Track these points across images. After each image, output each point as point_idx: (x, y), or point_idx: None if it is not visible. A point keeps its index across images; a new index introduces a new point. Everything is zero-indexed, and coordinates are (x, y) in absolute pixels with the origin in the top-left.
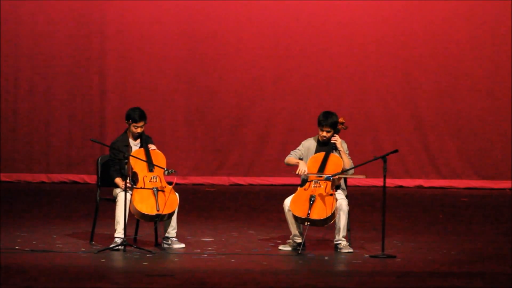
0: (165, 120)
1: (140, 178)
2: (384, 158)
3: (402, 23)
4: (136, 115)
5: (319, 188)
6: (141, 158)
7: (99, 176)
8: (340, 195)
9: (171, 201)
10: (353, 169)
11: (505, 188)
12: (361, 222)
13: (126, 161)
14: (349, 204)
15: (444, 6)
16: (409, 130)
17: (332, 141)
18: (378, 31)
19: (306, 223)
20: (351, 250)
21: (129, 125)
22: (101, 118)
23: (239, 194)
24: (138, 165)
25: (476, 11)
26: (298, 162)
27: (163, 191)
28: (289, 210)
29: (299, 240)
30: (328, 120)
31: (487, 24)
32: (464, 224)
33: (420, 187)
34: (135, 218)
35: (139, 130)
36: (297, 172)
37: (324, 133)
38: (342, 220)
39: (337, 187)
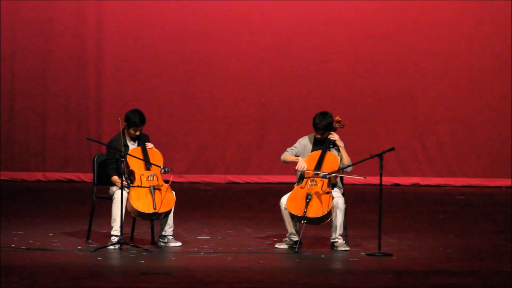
0: (162, 118)
1: (137, 176)
2: (380, 156)
3: (400, 22)
4: (136, 120)
5: (315, 186)
6: (138, 156)
7: (95, 174)
8: (337, 193)
9: (167, 200)
10: (351, 167)
11: (501, 186)
12: (358, 220)
13: (123, 159)
14: (346, 202)
15: (444, 6)
16: (405, 128)
17: (330, 138)
18: (377, 29)
19: (302, 221)
20: (347, 248)
21: (128, 127)
22: (97, 116)
23: (236, 192)
24: (135, 163)
25: (476, 11)
26: (297, 159)
27: (159, 189)
28: (285, 208)
29: (295, 238)
30: (323, 123)
31: (487, 23)
32: (461, 222)
33: (416, 185)
34: (131, 216)
35: (137, 133)
36: (296, 168)
37: (319, 135)
38: (339, 218)
39: (333, 185)
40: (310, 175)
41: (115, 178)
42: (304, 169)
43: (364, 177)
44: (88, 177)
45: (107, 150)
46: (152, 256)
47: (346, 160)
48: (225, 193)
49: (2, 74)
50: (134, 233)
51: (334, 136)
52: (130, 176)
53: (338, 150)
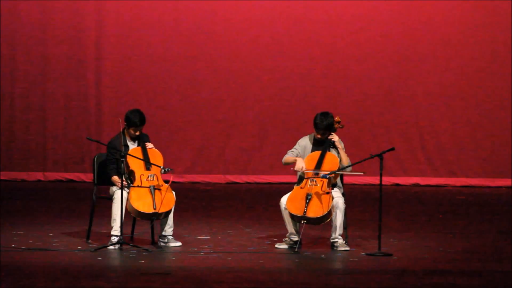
0: (162, 118)
1: (137, 176)
2: (380, 156)
3: (400, 22)
4: (136, 120)
5: (315, 186)
6: (138, 156)
7: (95, 174)
8: (337, 193)
9: (167, 200)
10: (350, 167)
11: (502, 186)
12: (358, 220)
13: (123, 159)
14: (346, 202)
15: (444, 6)
16: (405, 128)
17: (329, 138)
18: (377, 29)
19: (302, 221)
20: (347, 248)
21: (128, 127)
22: (97, 116)
23: (236, 193)
24: (135, 164)
25: (476, 11)
26: (296, 159)
27: (159, 189)
28: (285, 209)
29: (295, 238)
30: (324, 123)
31: (487, 23)
32: (461, 222)
33: (416, 185)
34: (131, 217)
35: (137, 133)
36: (295, 169)
37: (319, 135)
38: (339, 218)
39: (333, 185)
40: (310, 175)
41: (115, 178)
42: (303, 169)
43: (365, 173)
44: (88, 177)
45: (107, 150)
46: (152, 256)
47: (345, 161)
48: (225, 193)
49: (2, 74)
50: (134, 233)
51: (334, 137)
52: (130, 176)
53: (338, 152)
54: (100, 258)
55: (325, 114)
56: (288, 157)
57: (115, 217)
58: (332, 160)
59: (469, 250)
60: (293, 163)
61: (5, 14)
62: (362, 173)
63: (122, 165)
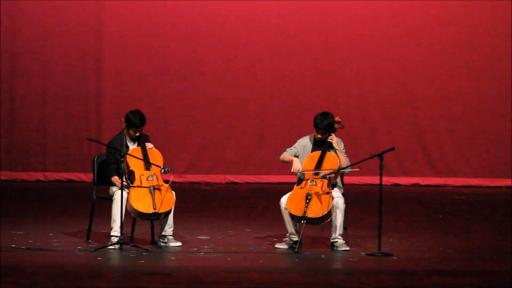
0: (162, 118)
1: (137, 176)
2: (380, 156)
3: (400, 22)
4: (136, 121)
5: (315, 186)
6: (138, 156)
7: (95, 174)
8: (337, 193)
9: (167, 200)
10: (350, 167)
11: (502, 186)
12: (358, 220)
13: (123, 159)
14: (346, 202)
15: (444, 6)
16: (405, 128)
17: (328, 140)
18: (376, 29)
19: (302, 221)
20: (347, 248)
21: (128, 128)
22: (97, 116)
23: (236, 192)
24: (135, 164)
25: (476, 11)
26: (292, 159)
27: (159, 189)
28: (285, 208)
29: (295, 238)
30: (324, 123)
31: (487, 23)
32: (461, 222)
33: (416, 185)
34: (131, 217)
35: (137, 134)
36: (292, 170)
37: (320, 135)
38: (339, 218)
39: (333, 185)
40: (310, 176)
41: (115, 178)
42: (299, 171)
43: (360, 168)
44: (88, 177)
45: (107, 150)
46: (152, 256)
47: (344, 163)
48: (225, 193)
49: (2, 74)
50: (134, 233)
51: (332, 139)
52: (130, 176)
53: (336, 153)
54: (100, 258)
55: (325, 114)
56: (286, 155)
57: (115, 217)
58: (332, 160)
59: (469, 250)
60: (289, 162)
61: (6, 14)
62: (357, 169)
63: (122, 165)
